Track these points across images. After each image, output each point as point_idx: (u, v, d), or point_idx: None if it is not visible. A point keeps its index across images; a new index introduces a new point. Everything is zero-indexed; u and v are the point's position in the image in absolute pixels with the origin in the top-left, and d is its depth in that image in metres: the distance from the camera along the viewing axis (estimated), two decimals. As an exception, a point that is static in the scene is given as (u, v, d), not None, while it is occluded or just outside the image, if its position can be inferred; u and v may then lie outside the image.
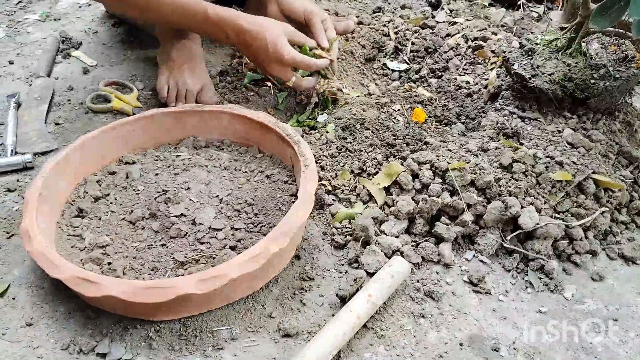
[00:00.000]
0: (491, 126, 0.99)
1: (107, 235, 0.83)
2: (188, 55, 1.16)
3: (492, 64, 1.19)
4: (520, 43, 1.05)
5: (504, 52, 1.07)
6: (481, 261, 0.85)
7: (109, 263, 0.79)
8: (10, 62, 1.32)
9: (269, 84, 1.18)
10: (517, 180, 0.87)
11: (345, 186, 0.93)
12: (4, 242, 0.87)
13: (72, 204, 0.89)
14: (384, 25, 1.32)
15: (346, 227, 0.88)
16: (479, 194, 0.86)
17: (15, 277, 0.82)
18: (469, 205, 0.85)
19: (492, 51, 1.21)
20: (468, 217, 0.84)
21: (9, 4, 1.60)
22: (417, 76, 1.21)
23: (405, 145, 0.95)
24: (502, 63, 1.05)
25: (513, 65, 1.00)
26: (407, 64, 1.24)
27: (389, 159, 0.93)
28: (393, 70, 1.23)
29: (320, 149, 1.00)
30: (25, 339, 0.73)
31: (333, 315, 0.76)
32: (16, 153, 1.04)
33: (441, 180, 0.87)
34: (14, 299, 0.79)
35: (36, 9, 1.58)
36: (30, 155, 1.01)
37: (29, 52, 1.36)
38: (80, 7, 1.58)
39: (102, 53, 1.36)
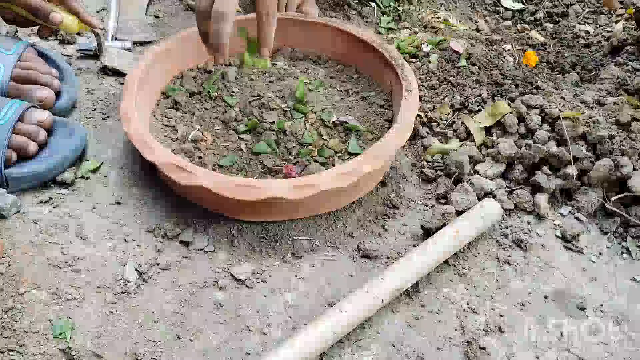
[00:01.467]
0: (610, 80, 0.91)
1: (199, 130, 0.83)
2: None
3: (618, 15, 1.09)
4: (659, -6, 0.94)
5: (636, 2, 0.97)
6: (577, 219, 0.80)
7: (200, 157, 0.79)
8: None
9: (372, 3, 1.12)
10: (633, 140, 0.80)
11: (442, 120, 0.89)
12: (100, 121, 0.89)
13: (167, 96, 0.89)
14: (504, -41, 1.22)
15: (438, 162, 0.84)
16: (588, 148, 0.80)
17: (108, 156, 0.84)
18: (575, 159, 0.79)
19: (621, 2, 1.10)
20: (572, 170, 0.79)
21: None
22: (532, 18, 1.12)
23: (514, 86, 0.89)
24: (634, 14, 0.95)
25: (648, 17, 0.91)
26: (523, 3, 1.15)
27: (495, 98, 0.87)
28: (506, 9, 1.14)
29: (419, 78, 0.96)
30: (113, 215, 0.76)
31: (414, 245, 0.75)
32: (116, 39, 1.04)
33: (549, 128, 0.82)
34: (105, 176, 0.81)
35: None
36: (130, 43, 1.02)
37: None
38: None
39: (205, -48, 1.33)
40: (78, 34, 0.98)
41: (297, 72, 0.95)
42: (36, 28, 0.93)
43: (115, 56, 0.98)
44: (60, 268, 0.68)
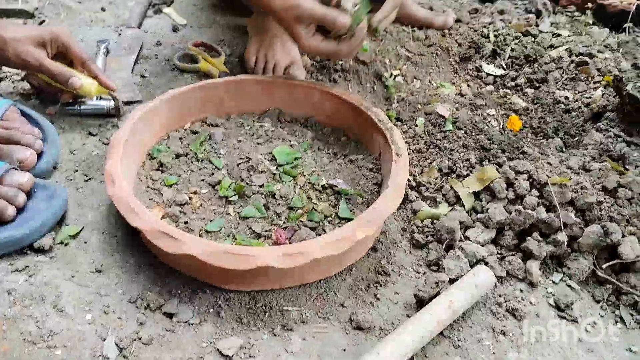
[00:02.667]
0: (594, 146, 0.92)
1: (185, 193, 0.81)
2: (279, 31, 1.13)
3: (595, 82, 1.12)
4: (635, 64, 0.98)
5: (615, 71, 1.01)
6: (569, 286, 0.79)
7: (186, 222, 0.77)
8: (102, 9, 1.32)
9: (353, 66, 1.14)
10: (620, 206, 0.80)
11: (430, 184, 0.89)
12: (82, 184, 0.86)
13: (153, 157, 0.88)
14: (484, 27, 1.26)
15: (428, 227, 0.83)
16: (577, 214, 0.80)
17: (89, 220, 0.81)
18: (564, 225, 0.79)
19: (598, 69, 1.14)
20: (562, 237, 0.78)
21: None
22: (513, 84, 1.15)
23: (500, 151, 0.90)
24: (613, 82, 0.99)
25: (626, 85, 0.94)
26: (504, 69, 1.18)
27: (482, 163, 0.88)
28: (488, 74, 1.17)
29: (406, 142, 0.96)
30: (93, 285, 0.72)
31: (408, 315, 0.73)
32: (101, 98, 1.03)
33: (538, 194, 0.82)
34: (85, 242, 0.77)
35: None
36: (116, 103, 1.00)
37: (121, 1, 1.36)
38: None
39: (192, 14, 1.35)
40: (99, 97, 0.98)
41: (285, 134, 0.95)
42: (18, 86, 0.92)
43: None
44: (35, 344, 0.63)
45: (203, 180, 0.84)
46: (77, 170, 0.88)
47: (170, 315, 0.69)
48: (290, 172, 0.84)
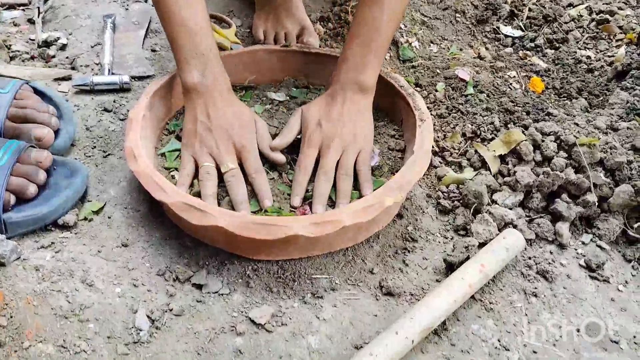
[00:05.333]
0: (620, 105, 0.90)
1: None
2: None
3: (618, 40, 1.09)
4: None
5: (638, 28, 0.98)
6: (599, 247, 0.78)
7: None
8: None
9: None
10: (651, 165, 0.79)
11: (454, 149, 0.87)
12: (101, 160, 0.85)
13: (171, 132, 0.86)
14: (500, -13, 1.23)
15: (453, 192, 0.82)
16: (606, 175, 0.79)
17: (111, 196, 0.80)
18: (594, 185, 0.78)
19: (620, 27, 1.11)
20: (592, 197, 0.77)
21: None
22: (532, 45, 1.12)
23: (525, 113, 0.88)
24: (638, 39, 0.96)
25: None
26: (522, 30, 1.15)
27: (507, 126, 0.86)
28: (506, 36, 1.14)
29: (427, 107, 0.94)
30: (120, 259, 0.71)
31: (437, 280, 0.72)
32: (113, 74, 1.01)
33: (566, 155, 0.80)
34: (109, 217, 0.77)
35: None
36: (128, 77, 0.99)
37: (127, -24, 1.33)
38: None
39: (199, -15, 1.31)
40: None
41: (304, 99, 0.93)
42: (28, 65, 0.90)
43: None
44: (67, 318, 0.63)
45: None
46: (94, 147, 0.87)
47: (199, 287, 0.68)
48: None
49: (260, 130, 0.80)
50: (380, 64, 0.81)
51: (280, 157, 0.78)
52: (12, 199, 0.72)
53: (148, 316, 0.64)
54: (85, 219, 0.76)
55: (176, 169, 0.80)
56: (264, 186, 0.75)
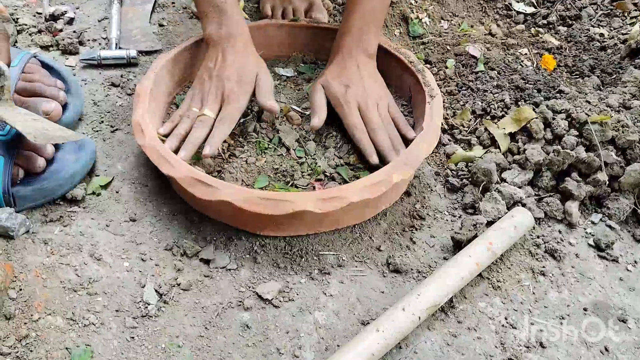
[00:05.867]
0: (633, 83, 0.89)
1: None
2: None
3: (632, 17, 1.07)
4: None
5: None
6: (609, 226, 0.77)
7: (219, 171, 0.75)
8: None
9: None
10: (663, 144, 0.78)
11: (464, 127, 0.86)
12: (108, 135, 0.85)
13: (178, 106, 0.86)
14: (513, -38, 1.21)
15: (462, 170, 0.81)
16: (617, 153, 0.78)
17: (119, 171, 0.80)
18: (605, 164, 0.77)
19: (634, 4, 1.09)
20: (603, 176, 0.76)
21: None
22: (545, 22, 1.10)
23: (536, 91, 0.87)
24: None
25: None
26: (535, 7, 1.13)
27: (518, 103, 0.85)
28: (518, 12, 1.12)
29: (437, 84, 0.93)
30: (128, 233, 0.72)
31: (445, 258, 0.72)
32: (120, 48, 1.01)
33: (577, 133, 0.79)
34: (117, 192, 0.77)
35: None
36: (135, 52, 0.98)
37: (133, -51, 1.31)
38: None
39: (207, -41, 1.29)
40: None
41: (312, 75, 0.92)
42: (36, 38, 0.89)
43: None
44: (76, 291, 0.64)
45: (233, 131, 0.82)
46: (102, 122, 0.87)
47: (207, 262, 0.69)
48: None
49: (262, 84, 0.80)
50: (381, 27, 0.86)
51: (274, 106, 0.78)
52: (21, 173, 0.72)
53: (156, 290, 0.65)
54: (94, 193, 0.76)
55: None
56: (217, 137, 0.75)
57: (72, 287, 0.64)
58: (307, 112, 0.84)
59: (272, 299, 0.65)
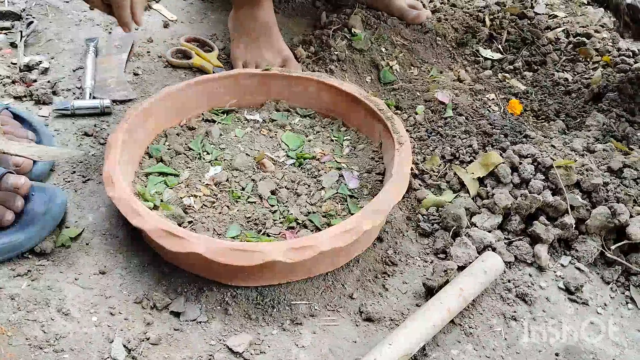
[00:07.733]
0: (597, 127, 0.92)
1: (188, 195, 0.80)
2: (263, 27, 1.09)
3: (594, 62, 1.11)
4: None
5: (614, 50, 1.00)
6: (578, 269, 0.78)
7: (190, 222, 0.75)
8: (91, 8, 1.29)
9: (349, 55, 1.12)
10: (627, 186, 0.80)
11: (434, 172, 0.88)
12: (80, 185, 0.85)
13: (152, 156, 0.86)
14: (479, 11, 1.25)
15: (433, 215, 0.82)
16: (583, 197, 0.80)
17: (90, 222, 0.79)
18: (571, 207, 0.78)
19: (596, 49, 1.13)
20: (570, 219, 0.78)
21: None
22: (511, 67, 1.14)
23: (503, 135, 0.89)
24: (613, 62, 0.97)
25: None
26: (501, 53, 1.17)
27: (486, 148, 0.87)
28: (486, 59, 1.16)
29: (407, 130, 0.95)
30: (97, 286, 0.71)
31: (417, 305, 0.72)
32: (94, 97, 1.01)
33: (543, 177, 0.81)
34: (87, 244, 0.76)
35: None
36: (109, 101, 0.99)
37: None
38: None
39: (182, 9, 1.32)
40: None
41: (285, 122, 0.94)
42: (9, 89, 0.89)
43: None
44: (42, 349, 0.62)
45: (203, 178, 0.83)
46: (74, 172, 0.87)
47: (177, 314, 0.68)
48: (302, 155, 0.84)
49: None
50: None
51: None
52: (-12, 227, 0.71)
53: (124, 345, 0.63)
54: (63, 245, 0.75)
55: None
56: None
57: (38, 344, 0.63)
58: (281, 160, 0.85)
59: (242, 352, 0.64)
